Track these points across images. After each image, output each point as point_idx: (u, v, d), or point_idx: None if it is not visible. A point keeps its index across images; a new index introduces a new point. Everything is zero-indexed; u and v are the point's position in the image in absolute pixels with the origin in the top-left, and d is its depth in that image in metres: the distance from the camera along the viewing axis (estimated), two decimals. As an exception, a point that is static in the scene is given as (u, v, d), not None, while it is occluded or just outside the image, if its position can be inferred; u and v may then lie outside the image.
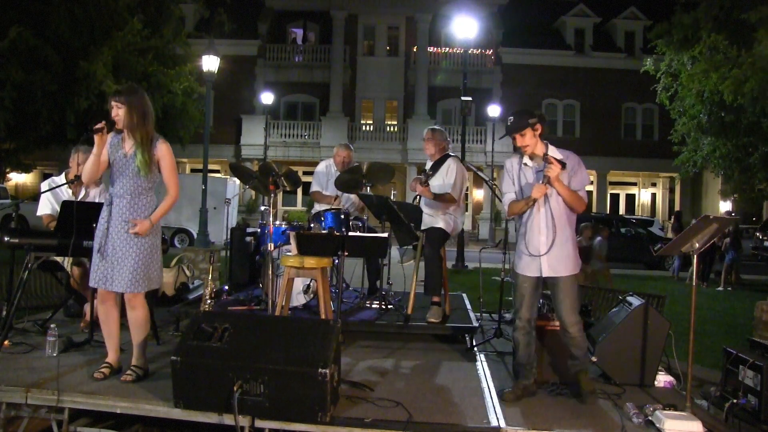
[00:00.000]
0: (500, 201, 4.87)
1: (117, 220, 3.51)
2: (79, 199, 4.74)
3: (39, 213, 4.90)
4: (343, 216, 5.01)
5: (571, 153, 3.62)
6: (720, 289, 12.36)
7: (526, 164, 3.63)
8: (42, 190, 4.89)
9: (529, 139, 3.53)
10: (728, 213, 22.11)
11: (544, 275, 3.57)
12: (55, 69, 13.06)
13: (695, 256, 3.62)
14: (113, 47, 13.41)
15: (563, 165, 3.45)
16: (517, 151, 3.65)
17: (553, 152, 3.56)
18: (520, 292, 3.66)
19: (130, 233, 3.48)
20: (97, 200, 4.68)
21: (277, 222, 5.19)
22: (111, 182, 3.58)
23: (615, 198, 28.19)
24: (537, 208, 3.55)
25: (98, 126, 3.42)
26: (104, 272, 3.48)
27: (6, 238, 4.12)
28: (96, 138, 3.43)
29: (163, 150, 3.56)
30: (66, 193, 4.87)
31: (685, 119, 14.86)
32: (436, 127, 5.31)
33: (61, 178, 4.89)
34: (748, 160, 14.34)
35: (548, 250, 3.52)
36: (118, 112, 3.46)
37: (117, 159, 3.52)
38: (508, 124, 3.59)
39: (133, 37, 13.74)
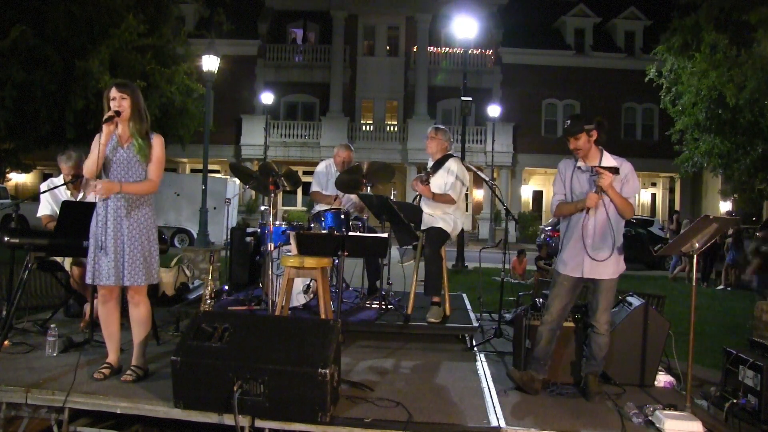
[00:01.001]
0: (500, 201, 4.90)
1: (116, 214, 3.51)
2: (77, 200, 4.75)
3: (39, 214, 4.92)
4: (343, 216, 5.01)
5: (625, 160, 3.70)
6: (720, 287, 12.34)
7: (579, 168, 3.70)
8: (41, 191, 4.90)
9: (583, 143, 3.62)
10: (728, 213, 22.11)
11: (585, 276, 3.65)
12: (55, 68, 13.06)
13: (695, 256, 3.62)
14: (111, 45, 13.41)
15: (615, 171, 3.56)
16: (573, 154, 3.73)
17: (608, 159, 3.65)
18: (557, 290, 3.73)
19: (127, 227, 3.51)
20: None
21: (277, 222, 5.19)
22: (109, 178, 3.57)
23: (615, 198, 28.14)
24: (586, 211, 3.62)
25: (110, 114, 3.48)
26: (109, 268, 3.48)
27: (6, 238, 4.12)
28: (104, 127, 3.46)
29: (156, 142, 3.62)
30: (65, 195, 4.87)
31: (685, 117, 14.84)
32: (440, 126, 5.31)
33: (59, 179, 4.90)
34: (747, 160, 14.32)
35: (593, 253, 3.59)
36: (123, 103, 3.50)
37: (115, 156, 3.54)
38: (565, 126, 3.69)
39: (130, 34, 13.73)
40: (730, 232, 12.87)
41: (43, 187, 4.90)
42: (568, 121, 3.71)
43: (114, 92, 3.52)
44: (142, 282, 3.55)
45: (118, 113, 3.49)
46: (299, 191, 25.38)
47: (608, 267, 3.63)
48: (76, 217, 3.88)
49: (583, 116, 3.71)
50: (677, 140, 15.95)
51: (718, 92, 13.00)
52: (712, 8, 13.53)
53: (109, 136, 3.50)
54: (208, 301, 4.57)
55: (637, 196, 3.82)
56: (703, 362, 5.17)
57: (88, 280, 3.56)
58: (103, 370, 3.59)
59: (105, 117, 3.48)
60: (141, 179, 3.57)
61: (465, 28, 14.66)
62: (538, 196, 27.42)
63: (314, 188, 5.90)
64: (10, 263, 4.39)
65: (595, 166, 3.60)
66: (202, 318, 3.40)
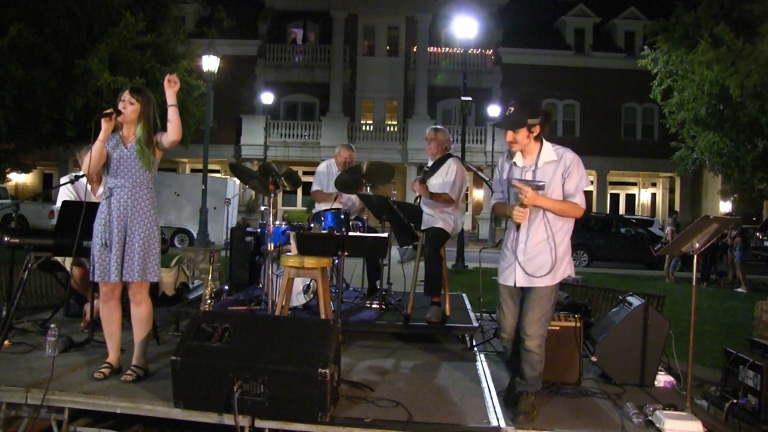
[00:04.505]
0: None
1: (120, 210, 3.53)
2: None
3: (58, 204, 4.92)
4: (343, 216, 5.01)
5: (568, 151, 3.30)
6: (741, 290, 12.01)
7: (515, 163, 3.34)
8: (61, 182, 4.90)
9: (521, 137, 3.21)
10: (728, 213, 22.10)
11: (518, 285, 3.31)
12: (55, 66, 13.06)
13: (695, 256, 3.62)
14: (110, 44, 13.42)
15: (539, 187, 3.18)
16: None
17: (548, 152, 3.28)
18: (500, 302, 3.43)
19: (130, 225, 3.52)
20: None
21: (277, 222, 5.19)
22: (110, 176, 3.60)
23: (615, 198, 28.20)
24: (516, 226, 3.30)
25: (107, 111, 3.50)
26: (111, 265, 3.49)
27: (6, 238, 4.12)
28: (103, 123, 3.48)
29: (158, 135, 3.62)
30: (84, 190, 4.86)
31: (683, 112, 14.73)
32: (439, 126, 5.30)
33: (80, 173, 4.89)
34: (748, 158, 14.25)
35: (525, 260, 3.27)
36: (128, 107, 3.53)
37: (117, 155, 3.56)
38: (507, 114, 3.23)
39: (129, 32, 13.73)
40: (735, 232, 12.87)
41: (64, 179, 4.91)
42: (511, 109, 3.19)
43: (125, 95, 3.56)
44: (137, 278, 3.54)
45: (119, 112, 3.51)
46: (299, 191, 25.39)
47: (544, 274, 3.25)
48: (76, 217, 3.88)
49: (530, 105, 3.24)
50: (674, 133, 15.81)
51: (720, 86, 12.87)
52: (712, 5, 13.49)
53: (107, 132, 3.51)
54: (208, 301, 4.57)
55: (588, 188, 3.32)
56: (703, 362, 5.17)
57: (94, 278, 3.57)
58: (103, 370, 3.59)
59: (103, 112, 3.49)
60: (144, 178, 3.58)
61: (465, 28, 14.67)
62: (538, 196, 27.39)
63: (315, 188, 5.91)
64: (10, 263, 4.39)
65: (515, 180, 3.21)
66: (202, 318, 3.40)
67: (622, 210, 28.00)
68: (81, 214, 3.56)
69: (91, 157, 3.50)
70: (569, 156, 3.28)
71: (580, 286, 6.76)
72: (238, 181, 11.16)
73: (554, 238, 3.27)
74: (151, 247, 3.60)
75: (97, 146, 3.50)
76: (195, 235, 15.25)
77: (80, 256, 4.41)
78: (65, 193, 4.90)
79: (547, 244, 3.27)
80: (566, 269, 3.34)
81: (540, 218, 3.27)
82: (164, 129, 3.60)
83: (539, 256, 3.27)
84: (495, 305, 3.55)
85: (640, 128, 26.86)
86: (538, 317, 3.26)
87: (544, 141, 3.31)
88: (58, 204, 4.88)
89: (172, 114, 3.52)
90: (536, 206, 3.22)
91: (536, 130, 3.22)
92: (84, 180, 4.79)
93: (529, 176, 3.28)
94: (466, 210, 25.05)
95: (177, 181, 18.62)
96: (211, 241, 13.57)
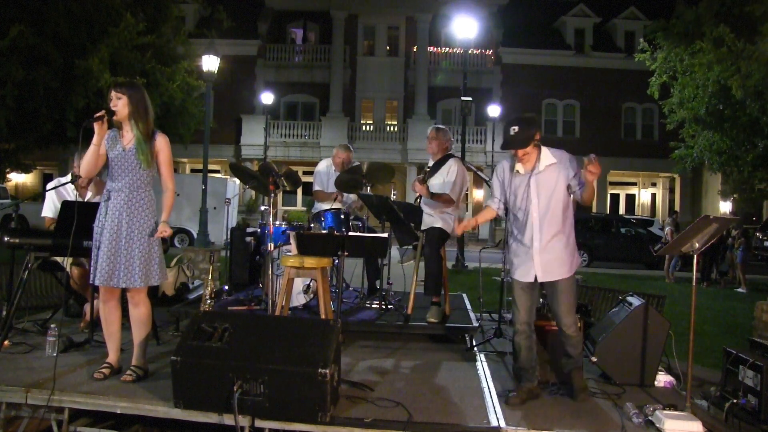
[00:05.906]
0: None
1: (115, 214, 3.51)
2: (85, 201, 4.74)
3: (43, 214, 4.92)
4: (343, 216, 5.01)
5: (562, 152, 3.53)
6: (741, 290, 12.07)
7: (518, 171, 3.54)
8: (48, 188, 4.89)
9: (531, 148, 3.44)
10: (728, 213, 22.08)
11: (540, 280, 3.53)
12: (55, 66, 13.07)
13: (695, 256, 3.62)
14: (110, 44, 13.43)
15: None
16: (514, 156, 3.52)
17: (546, 156, 3.49)
18: (516, 296, 3.62)
19: (126, 228, 3.50)
20: None
21: (277, 222, 5.19)
22: (109, 178, 3.58)
23: (615, 198, 28.19)
24: (526, 211, 3.50)
25: (99, 114, 3.46)
26: (107, 269, 3.48)
27: (6, 238, 4.12)
28: (96, 126, 3.45)
29: (161, 143, 3.60)
30: (72, 195, 4.86)
31: (682, 111, 14.69)
32: (440, 126, 5.30)
33: (67, 178, 4.89)
34: (748, 157, 14.22)
35: (543, 254, 3.48)
36: (117, 102, 3.49)
37: (115, 155, 3.53)
38: (512, 134, 3.42)
39: (129, 33, 13.73)
40: (736, 232, 12.85)
41: (51, 184, 4.90)
42: (516, 128, 3.40)
43: (111, 94, 3.53)
44: (138, 284, 3.52)
45: (112, 113, 3.48)
46: (299, 191, 25.38)
47: (559, 266, 3.49)
48: (76, 216, 3.88)
49: (528, 120, 3.47)
50: (674, 132, 15.77)
51: (721, 85, 12.83)
52: (713, 2, 13.46)
53: (101, 135, 3.48)
54: (208, 301, 4.57)
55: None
56: (703, 362, 5.17)
57: (90, 281, 3.57)
58: (103, 370, 3.60)
59: (94, 116, 3.46)
60: (142, 181, 3.56)
61: (465, 28, 14.67)
62: (538, 196, 27.39)
63: (316, 187, 5.91)
64: (10, 263, 4.39)
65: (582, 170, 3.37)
66: (202, 318, 3.40)
67: (622, 210, 27.98)
68: (81, 214, 3.56)
69: (85, 162, 3.49)
70: (566, 155, 3.53)
71: (580, 286, 6.75)
72: (238, 181, 11.16)
73: (564, 231, 3.52)
74: (153, 250, 3.58)
75: (91, 150, 3.49)
76: (195, 235, 15.25)
77: (78, 256, 4.42)
78: (49, 204, 4.89)
79: (560, 237, 3.51)
80: (578, 259, 3.61)
81: (551, 213, 3.47)
82: (160, 127, 3.63)
83: (553, 250, 3.50)
84: (495, 305, 3.60)
85: (640, 128, 26.84)
86: (568, 308, 3.53)
87: (541, 146, 3.51)
88: (44, 213, 4.89)
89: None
90: (590, 182, 3.35)
91: (538, 135, 3.46)
92: (71, 188, 4.79)
93: (533, 181, 3.48)
94: (466, 210, 25.07)
95: (177, 181, 18.19)
96: (211, 241, 13.56)
